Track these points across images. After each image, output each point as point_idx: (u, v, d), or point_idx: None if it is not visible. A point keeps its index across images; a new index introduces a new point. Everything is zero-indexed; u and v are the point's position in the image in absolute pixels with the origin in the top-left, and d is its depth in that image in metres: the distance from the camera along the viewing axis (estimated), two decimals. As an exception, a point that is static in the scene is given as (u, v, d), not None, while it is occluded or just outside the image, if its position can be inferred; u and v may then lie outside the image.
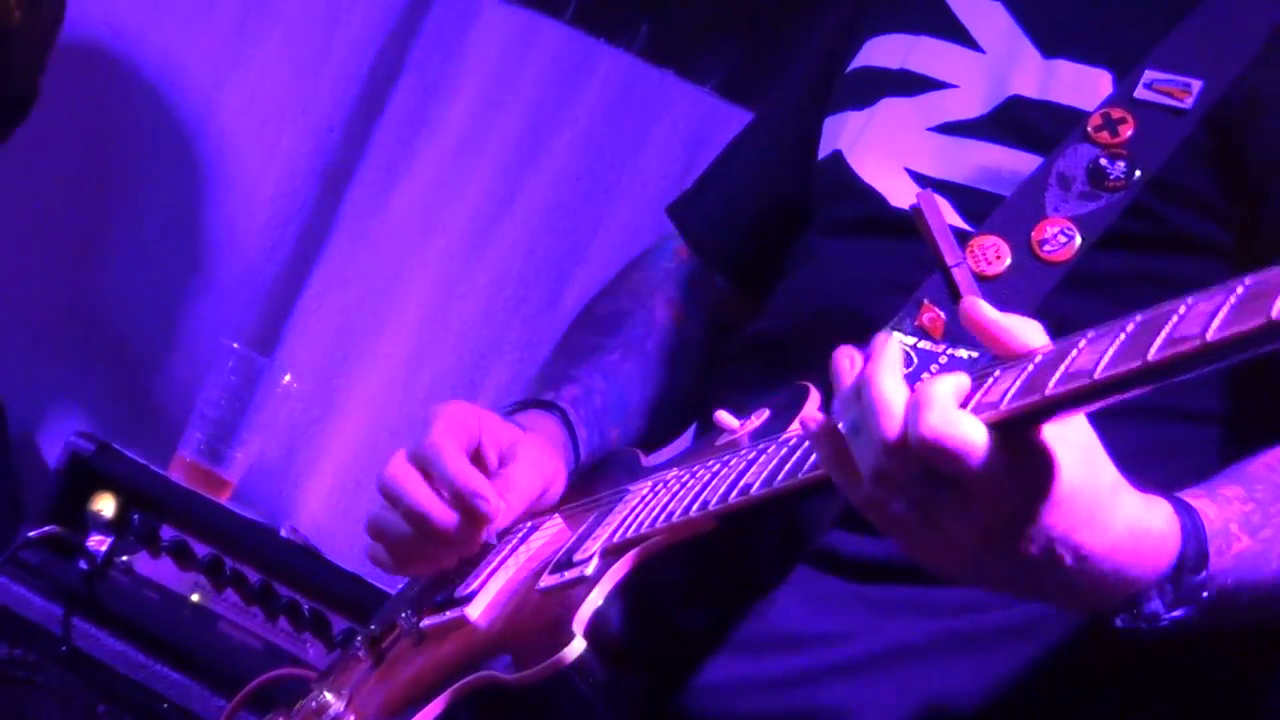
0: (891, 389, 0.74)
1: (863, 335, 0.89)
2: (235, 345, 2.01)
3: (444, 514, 1.09)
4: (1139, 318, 0.67)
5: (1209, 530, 0.83)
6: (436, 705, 1.03)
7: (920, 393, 0.72)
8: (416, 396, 2.13)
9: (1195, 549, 0.82)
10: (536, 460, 1.17)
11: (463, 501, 1.08)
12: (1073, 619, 0.98)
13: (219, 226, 2.19)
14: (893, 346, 0.79)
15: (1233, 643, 0.97)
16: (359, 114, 2.13)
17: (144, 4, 2.13)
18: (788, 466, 0.90)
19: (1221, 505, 0.86)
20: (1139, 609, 0.82)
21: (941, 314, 0.98)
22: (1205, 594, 0.83)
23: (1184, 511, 0.82)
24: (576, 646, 0.93)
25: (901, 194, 1.13)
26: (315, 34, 2.13)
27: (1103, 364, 0.66)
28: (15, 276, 2.20)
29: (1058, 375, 0.69)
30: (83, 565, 1.70)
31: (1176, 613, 0.83)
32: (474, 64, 2.15)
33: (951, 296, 0.90)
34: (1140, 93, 1.07)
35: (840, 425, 0.77)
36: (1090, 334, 0.70)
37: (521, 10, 2.11)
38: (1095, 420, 0.75)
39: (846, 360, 0.81)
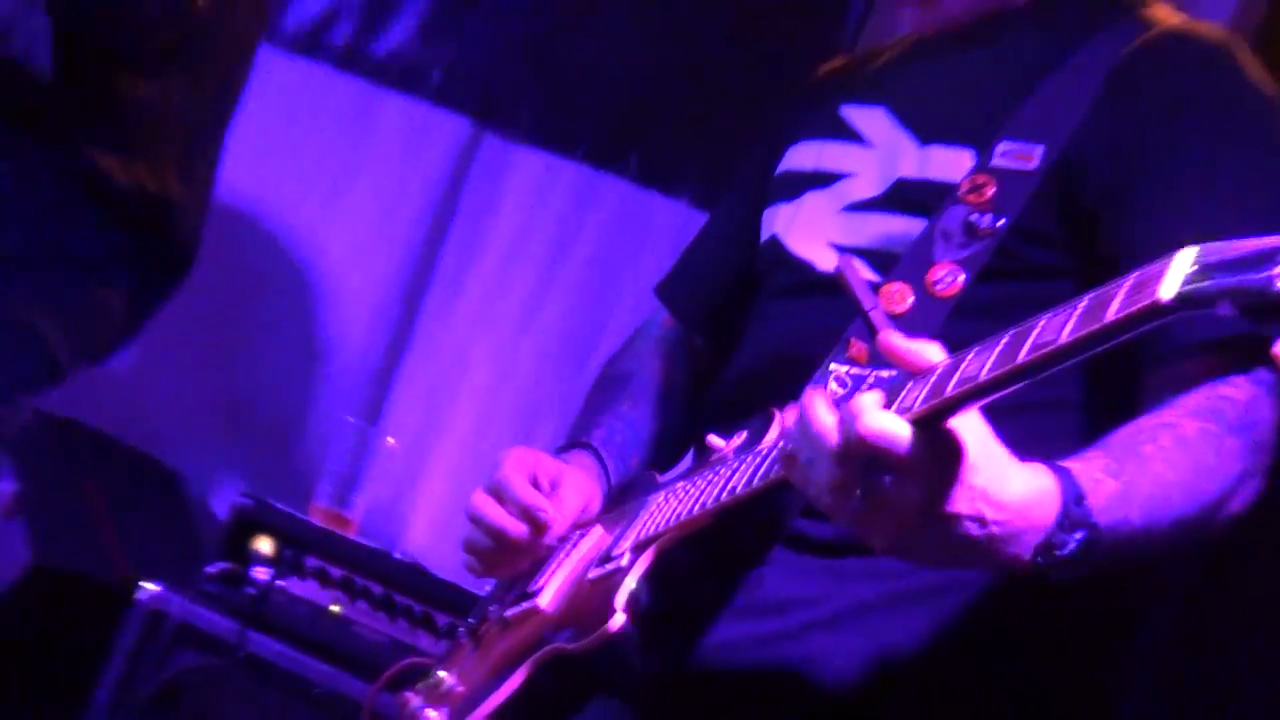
0: (824, 415, 0.86)
1: (808, 370, 1.13)
2: (350, 419, 2.46)
3: (516, 527, 1.29)
4: (1012, 331, 0.80)
5: (1079, 479, 0.91)
6: (521, 673, 1.20)
7: (851, 405, 0.84)
8: (487, 445, 2.50)
9: (1073, 493, 0.91)
10: (579, 484, 1.34)
11: (528, 515, 1.27)
12: (988, 577, 1.12)
13: (331, 329, 2.61)
14: (817, 394, 0.90)
15: (1108, 588, 1.05)
16: (430, 238, 2.58)
17: (269, 170, 2.59)
18: (761, 471, 1.04)
19: (1086, 462, 0.95)
20: (1045, 551, 0.90)
21: (865, 346, 1.10)
22: (1097, 527, 0.91)
23: (1058, 471, 0.91)
24: (619, 620, 1.09)
25: (826, 261, 1.28)
26: (393, 180, 2.61)
27: (986, 368, 0.79)
28: (183, 376, 2.59)
29: (954, 380, 0.81)
30: (250, 590, 2.04)
31: (1071, 545, 0.91)
32: (510, 196, 2.60)
33: (871, 333, 1.00)
34: (996, 161, 1.21)
35: (799, 456, 0.89)
36: (976, 348, 0.82)
37: (542, 153, 2.55)
38: (986, 414, 0.86)
39: (790, 414, 0.97)
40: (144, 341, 2.00)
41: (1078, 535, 0.91)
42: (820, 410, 0.87)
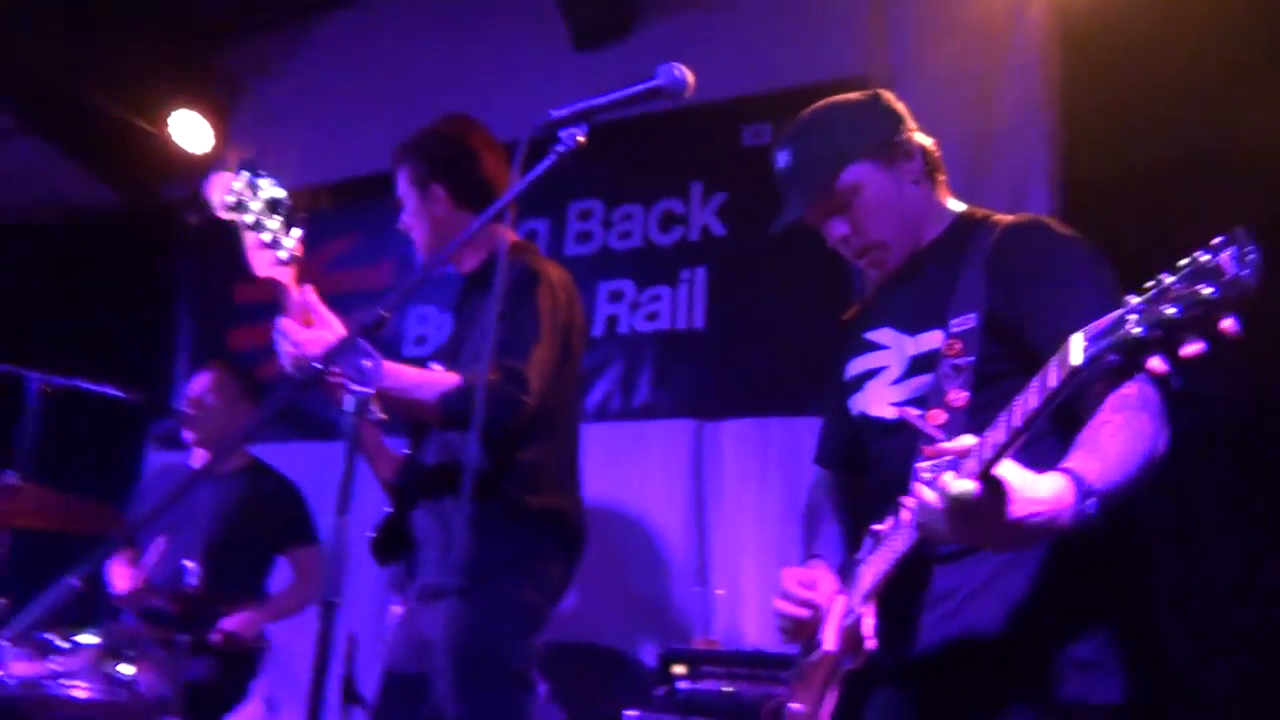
0: (927, 493, 1.25)
1: (906, 474, 1.47)
2: (697, 587, 3.67)
3: (801, 612, 1.75)
4: (1006, 411, 1.19)
5: (1077, 470, 1.29)
6: (833, 689, 1.64)
7: (939, 482, 1.23)
8: (770, 574, 3.55)
9: (1078, 479, 1.29)
10: (823, 578, 1.78)
11: (806, 604, 1.74)
12: (1046, 543, 1.52)
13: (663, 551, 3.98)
14: (919, 485, 1.28)
15: (1120, 524, 1.45)
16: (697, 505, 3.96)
17: (605, 484, 3.47)
18: (909, 536, 1.45)
19: (1075, 460, 1.32)
20: (1077, 516, 1.28)
21: (930, 448, 1.38)
22: (1098, 492, 1.28)
23: (1064, 471, 1.30)
24: (871, 644, 1.55)
25: (891, 414, 1.74)
26: (659, 465, 4.02)
27: (1002, 433, 1.19)
28: (597, 586, 3.54)
29: (988, 447, 1.20)
30: (680, 695, 3.02)
31: (1090, 508, 1.29)
32: (731, 447, 3.96)
33: (930, 440, 1.39)
34: (953, 329, 1.62)
35: (923, 519, 1.29)
36: (992, 426, 1.21)
37: (735, 421, 3.97)
38: (1015, 455, 1.23)
39: (910, 500, 1.38)
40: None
41: (1091, 501, 1.27)
42: (924, 492, 1.26)
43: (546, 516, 2.36)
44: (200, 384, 3.92)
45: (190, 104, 5.43)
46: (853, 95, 1.91)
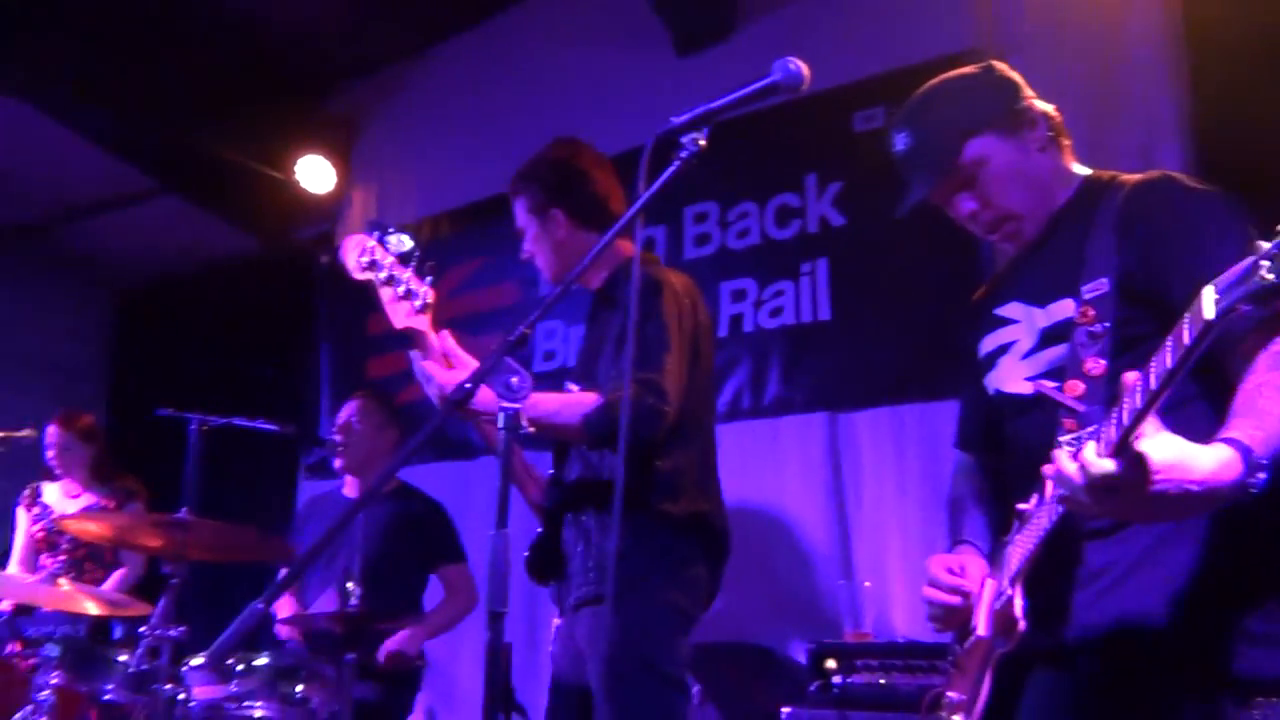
0: (1069, 465, 1.24)
1: (1047, 450, 1.41)
2: (842, 581, 3.66)
3: (952, 599, 1.75)
4: (1143, 373, 1.16)
5: (1243, 440, 1.23)
6: (989, 674, 1.62)
7: (1080, 457, 1.22)
8: (915, 562, 3.62)
9: (1245, 451, 1.24)
10: (973, 562, 1.78)
11: (956, 591, 1.74)
12: (1206, 516, 1.47)
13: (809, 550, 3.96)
14: (1061, 455, 1.27)
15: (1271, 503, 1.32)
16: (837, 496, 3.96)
17: (745, 483, 3.62)
18: (1053, 512, 1.47)
19: (1237, 430, 1.26)
20: (1244, 490, 1.23)
21: (1073, 420, 1.48)
22: (1267, 463, 1.23)
23: (1229, 441, 1.24)
24: (1022, 625, 1.55)
25: (1026, 389, 1.72)
26: (796, 463, 4.06)
27: (1138, 398, 1.16)
28: (743, 587, 3.38)
29: (1127, 413, 1.19)
30: (835, 691, 3.02)
31: (1259, 481, 1.24)
32: (867, 436, 3.93)
33: (1070, 412, 1.46)
34: (1086, 296, 1.60)
35: (1066, 493, 1.27)
36: (1127, 395, 1.18)
37: (870, 410, 3.89)
38: (1164, 423, 1.20)
39: (1049, 470, 1.33)
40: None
41: (1260, 474, 1.24)
42: (1065, 463, 1.25)
43: (689, 521, 2.38)
44: (347, 412, 4.08)
45: (313, 148, 5.73)
46: (965, 69, 1.89)
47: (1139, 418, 1.17)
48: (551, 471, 2.58)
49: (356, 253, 2.22)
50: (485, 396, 1.91)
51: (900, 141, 1.86)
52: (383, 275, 2.22)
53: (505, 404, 1.61)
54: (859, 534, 3.88)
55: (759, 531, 3.98)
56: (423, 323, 2.24)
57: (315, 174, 5.72)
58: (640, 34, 4.92)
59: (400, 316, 2.22)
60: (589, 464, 2.45)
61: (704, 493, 2.44)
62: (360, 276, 2.22)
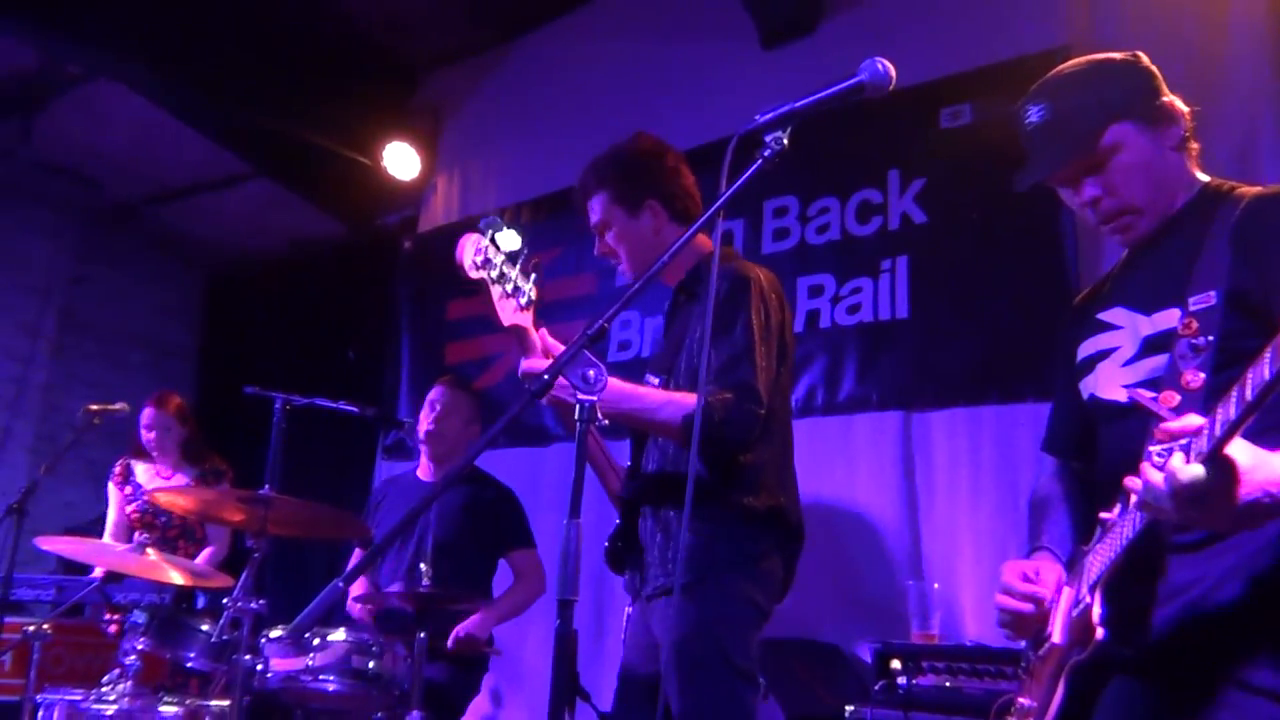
0: (1155, 476, 1.22)
1: (1136, 460, 1.42)
2: (912, 581, 3.56)
3: (1026, 607, 1.72)
4: (1237, 385, 1.14)
5: None
6: (1063, 682, 1.59)
7: (1168, 466, 1.21)
8: (985, 569, 3.61)
9: None
10: (1049, 569, 1.76)
11: (1030, 599, 1.71)
12: None
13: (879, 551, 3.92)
14: (1147, 466, 1.25)
15: None
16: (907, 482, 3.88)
17: (825, 484, 3.47)
18: (1137, 522, 1.45)
19: None
20: None
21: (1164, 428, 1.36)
22: None
23: None
24: (1099, 633, 1.53)
25: (1122, 397, 1.69)
26: (867, 461, 3.96)
27: (1233, 409, 1.15)
28: (814, 586, 3.32)
29: (1219, 424, 1.17)
30: (900, 692, 2.96)
31: None
32: (941, 435, 3.88)
33: (1159, 423, 1.34)
34: (1193, 308, 1.57)
35: (1151, 502, 1.25)
36: (1223, 402, 1.17)
37: (946, 411, 3.84)
38: (1252, 438, 1.21)
39: (1133, 481, 1.33)
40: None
41: None
42: (1151, 473, 1.25)
43: (766, 516, 2.38)
44: (431, 397, 4.14)
45: (399, 135, 5.84)
46: (1113, 54, 1.84)
47: (1233, 429, 1.15)
48: (629, 463, 2.59)
49: (472, 251, 2.25)
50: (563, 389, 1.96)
51: (1035, 114, 1.82)
52: (494, 274, 2.26)
53: (582, 396, 1.62)
54: (930, 535, 3.85)
55: (829, 529, 3.96)
56: (526, 319, 2.28)
57: (401, 161, 5.84)
58: (725, 27, 4.91)
59: (508, 314, 2.27)
60: (667, 456, 2.46)
61: (782, 487, 2.44)
62: (474, 275, 2.26)
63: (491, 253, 2.27)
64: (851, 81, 1.71)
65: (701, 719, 2.23)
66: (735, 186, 1.71)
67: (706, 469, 2.31)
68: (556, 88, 5.63)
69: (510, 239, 2.28)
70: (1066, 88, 1.81)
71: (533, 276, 2.30)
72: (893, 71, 1.71)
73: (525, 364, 2.27)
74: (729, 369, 2.25)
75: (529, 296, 2.29)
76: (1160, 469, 1.24)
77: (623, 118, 4.82)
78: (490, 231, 2.28)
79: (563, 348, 2.26)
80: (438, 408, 4.05)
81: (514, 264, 2.29)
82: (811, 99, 1.72)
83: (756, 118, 1.71)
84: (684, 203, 2.62)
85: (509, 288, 2.26)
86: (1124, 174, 1.74)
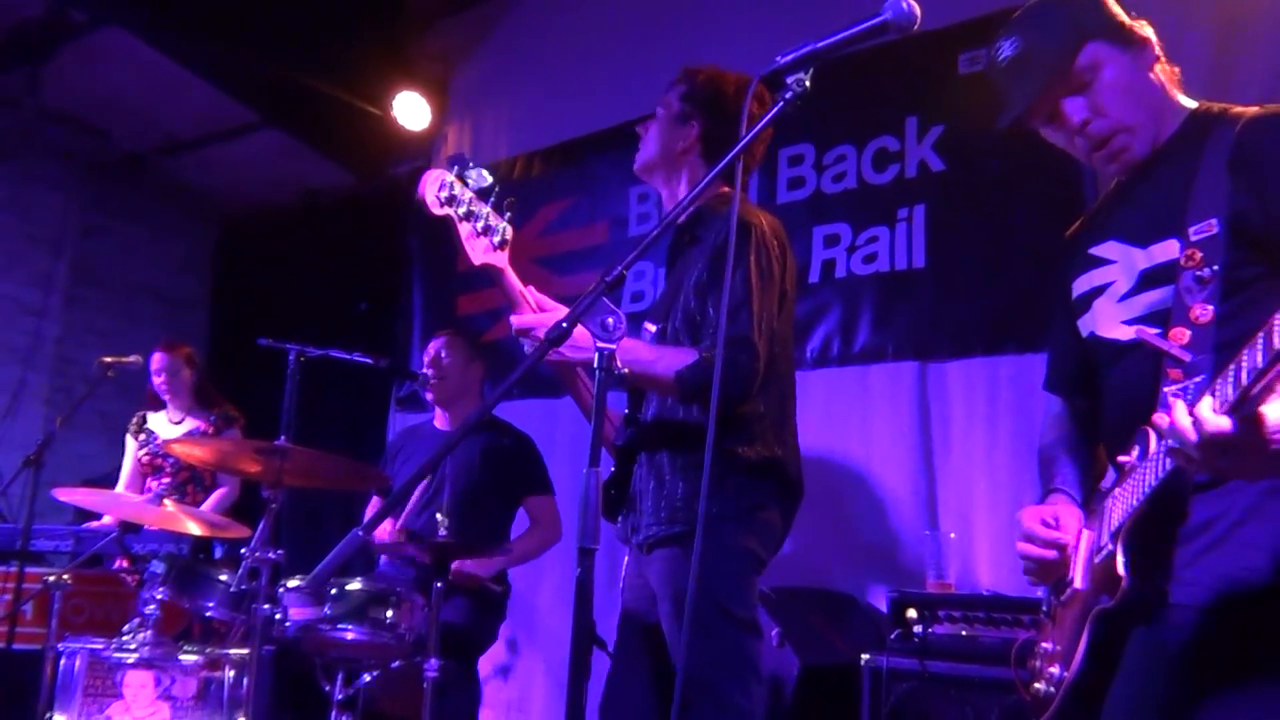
0: (1183, 418, 1.22)
1: (1149, 401, 1.48)
2: (928, 531, 3.64)
3: (1049, 553, 1.71)
4: (1263, 331, 1.13)
5: None
6: (1088, 628, 1.58)
7: (1195, 413, 1.21)
8: (1003, 514, 3.58)
9: None
10: (1068, 512, 1.74)
11: (1052, 544, 1.70)
12: None
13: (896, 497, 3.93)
14: (1177, 406, 1.25)
15: None
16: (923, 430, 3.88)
17: (832, 433, 3.90)
18: (1160, 466, 1.43)
19: None
20: None
21: (1179, 370, 1.45)
22: None
23: None
24: (1124, 579, 1.51)
25: (1125, 334, 1.67)
26: (885, 411, 3.97)
27: (1260, 357, 1.14)
28: (830, 537, 3.77)
29: (1245, 371, 1.15)
30: (915, 640, 3.01)
31: None
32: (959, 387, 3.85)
33: (1177, 361, 1.43)
34: (1193, 238, 1.54)
35: (1177, 446, 1.25)
36: (1248, 348, 1.15)
37: (963, 361, 3.80)
38: None
39: (1161, 418, 1.32)
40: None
41: None
42: (1181, 417, 1.24)
43: (763, 467, 2.37)
44: (435, 347, 4.18)
45: (410, 85, 5.78)
46: None
47: (1259, 376, 1.13)
48: (626, 410, 2.58)
49: (435, 187, 2.19)
50: (581, 336, 1.92)
51: (1008, 48, 1.79)
52: (461, 210, 2.21)
53: (601, 344, 1.61)
54: (946, 485, 3.84)
55: (844, 479, 3.97)
56: (501, 259, 2.25)
57: (411, 110, 5.79)
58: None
59: (478, 252, 2.22)
60: (664, 405, 2.45)
61: (779, 439, 2.42)
62: (438, 211, 2.20)
63: (458, 189, 2.21)
64: (875, 20, 1.65)
65: (706, 671, 2.23)
66: (756, 129, 1.68)
67: (703, 419, 2.29)
68: (569, 35, 5.56)
69: (481, 176, 2.23)
70: (1034, 18, 1.79)
71: (507, 215, 2.26)
72: (918, 10, 1.66)
73: (515, 319, 2.24)
74: (727, 321, 2.21)
75: (503, 236, 2.25)
76: (1189, 414, 1.22)
77: (637, 66, 4.78)
78: (457, 168, 2.22)
79: (549, 301, 2.27)
80: (436, 352, 4.11)
81: (485, 201, 2.24)
82: (834, 39, 1.67)
83: (777, 59, 1.67)
84: (721, 148, 2.51)
85: (479, 226, 2.22)
86: (1109, 91, 1.71)
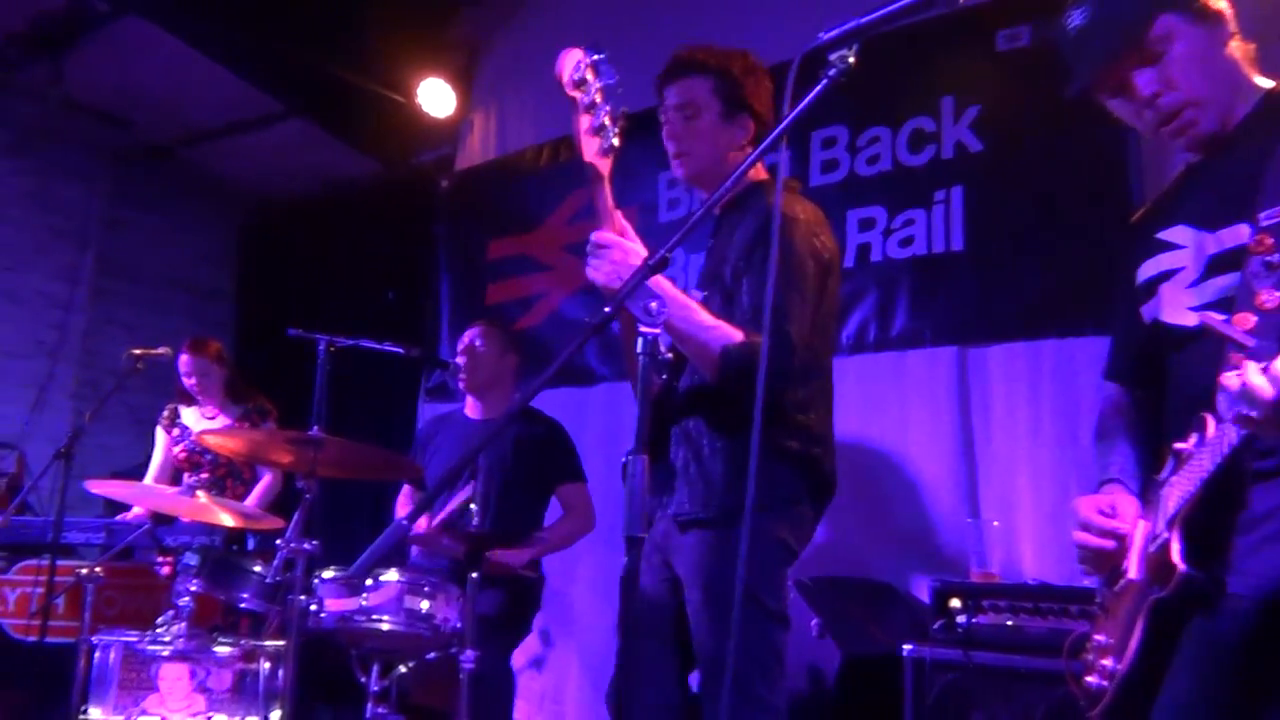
0: (1257, 377, 1.23)
1: (1210, 391, 1.44)
2: (970, 519, 3.57)
3: (1106, 543, 1.70)
4: None
5: None
6: (1141, 619, 1.56)
7: (1273, 368, 1.22)
8: (1049, 505, 3.56)
9: None
10: (1125, 502, 1.72)
11: (1109, 534, 1.69)
12: None
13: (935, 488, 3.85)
14: (1250, 366, 1.25)
15: None
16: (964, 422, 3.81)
17: (881, 420, 3.84)
18: (1218, 451, 1.42)
19: None
20: None
21: (1241, 356, 1.35)
22: None
23: None
24: (1181, 568, 1.49)
25: (1190, 320, 1.64)
26: (922, 396, 3.88)
27: None
28: (865, 526, 3.77)
29: None
30: (959, 630, 2.87)
31: None
32: (1000, 371, 3.76)
33: (1241, 348, 1.33)
34: (1264, 223, 1.45)
35: (1248, 411, 1.25)
36: None
37: (1003, 345, 3.70)
38: None
39: (1230, 378, 1.30)
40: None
41: None
42: (1255, 376, 1.24)
43: (800, 459, 2.36)
44: (470, 336, 4.14)
45: (435, 72, 5.74)
46: None
47: None
48: (664, 376, 2.54)
49: (572, 66, 2.16)
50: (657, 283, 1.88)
51: (1078, 17, 1.76)
52: (587, 100, 2.18)
53: (644, 329, 1.56)
54: (987, 472, 3.77)
55: (882, 466, 3.91)
56: (606, 165, 2.22)
57: (436, 98, 5.76)
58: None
59: (590, 150, 2.20)
60: (699, 376, 2.42)
61: (819, 437, 2.42)
62: (571, 92, 2.18)
63: (590, 75, 2.17)
64: None
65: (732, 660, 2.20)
66: (799, 108, 1.62)
67: (739, 404, 2.22)
68: (594, 21, 5.48)
69: (609, 73, 2.20)
70: None
71: (620, 124, 2.21)
72: None
73: (597, 235, 2.21)
74: (764, 312, 2.20)
75: (611, 142, 2.20)
76: (1264, 373, 1.22)
77: (663, 50, 4.69)
78: (594, 56, 2.17)
79: (633, 231, 2.26)
80: (470, 341, 4.08)
81: (607, 100, 2.19)
82: (877, 14, 1.61)
83: (820, 35, 1.61)
84: (764, 131, 2.52)
85: (596, 123, 2.18)
86: (1181, 65, 1.68)
